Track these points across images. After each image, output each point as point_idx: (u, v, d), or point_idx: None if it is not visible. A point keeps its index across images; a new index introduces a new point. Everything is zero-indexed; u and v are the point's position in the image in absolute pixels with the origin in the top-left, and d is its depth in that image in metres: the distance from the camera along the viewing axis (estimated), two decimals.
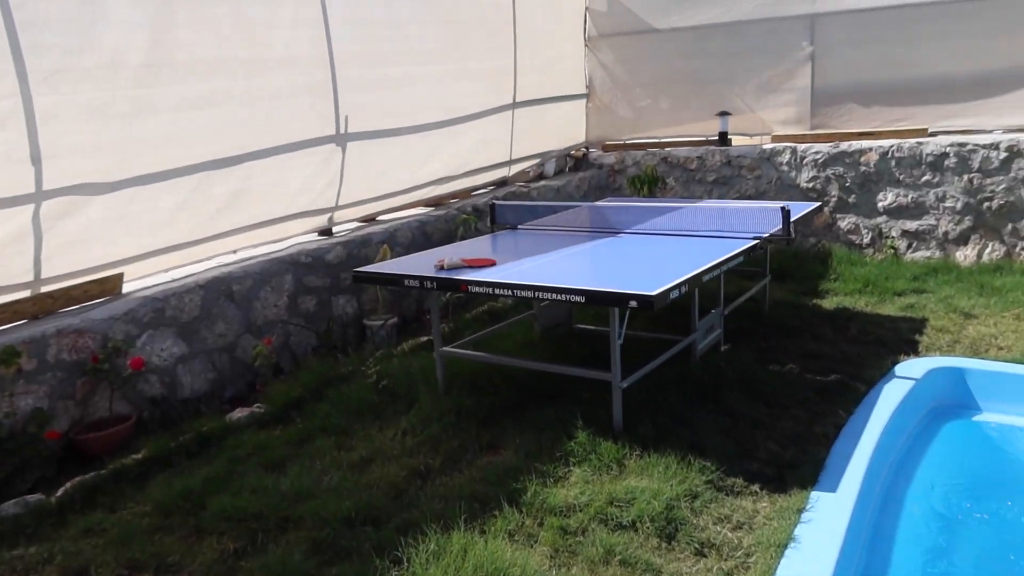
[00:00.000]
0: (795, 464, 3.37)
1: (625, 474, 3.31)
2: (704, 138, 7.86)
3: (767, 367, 4.45)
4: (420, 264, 4.19)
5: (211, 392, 4.54)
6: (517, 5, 6.93)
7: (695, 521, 2.96)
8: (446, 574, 2.63)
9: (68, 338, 3.89)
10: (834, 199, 7.06)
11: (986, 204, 6.47)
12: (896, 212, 6.84)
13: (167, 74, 4.34)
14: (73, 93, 3.93)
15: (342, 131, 5.43)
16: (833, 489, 3.11)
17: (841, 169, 7.00)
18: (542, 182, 7.68)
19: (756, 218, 4.54)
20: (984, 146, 6.42)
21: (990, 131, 6.61)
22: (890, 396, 3.98)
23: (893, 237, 6.87)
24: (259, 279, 4.88)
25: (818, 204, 5.73)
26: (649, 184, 7.57)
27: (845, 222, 7.07)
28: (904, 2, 6.74)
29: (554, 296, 3.44)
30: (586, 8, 8.12)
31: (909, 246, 6.82)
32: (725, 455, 3.41)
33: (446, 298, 5.72)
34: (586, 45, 8.22)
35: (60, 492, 3.44)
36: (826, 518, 2.91)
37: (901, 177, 6.76)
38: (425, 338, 5.32)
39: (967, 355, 4.58)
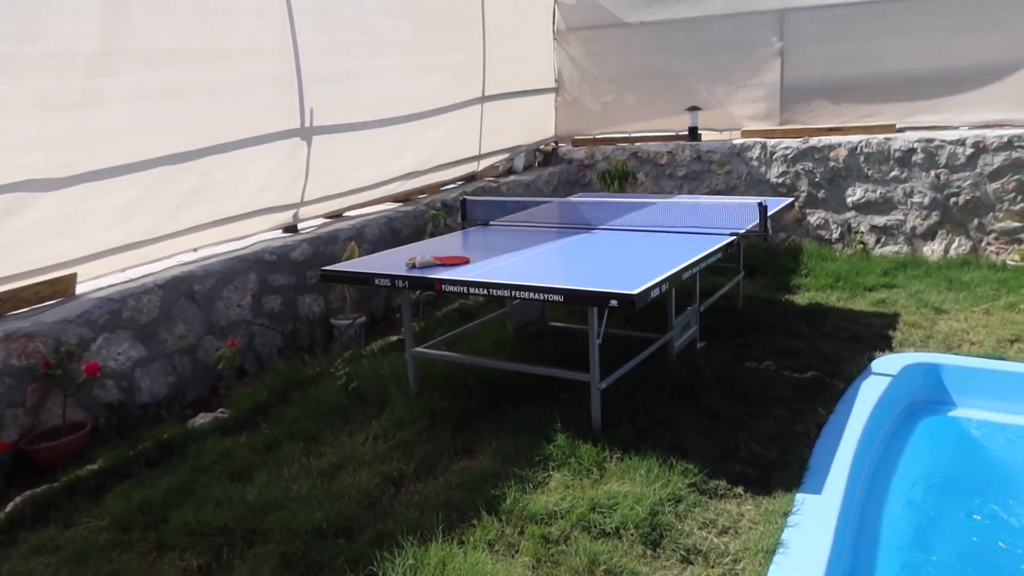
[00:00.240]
0: (778, 465, 3.31)
1: (606, 478, 3.22)
2: (674, 133, 7.81)
3: (744, 365, 4.40)
4: (390, 262, 4.05)
5: (171, 397, 4.34)
6: None
7: (680, 527, 2.88)
8: None
9: (17, 343, 3.68)
10: (804, 194, 7.06)
11: (952, 199, 6.52)
12: (865, 207, 6.86)
13: (122, 64, 4.13)
14: (20, 83, 3.71)
15: (307, 124, 5.25)
16: (818, 491, 3.06)
17: (810, 164, 7.00)
18: (511, 177, 7.57)
19: (733, 214, 4.49)
20: (951, 142, 6.46)
21: (956, 127, 6.67)
22: (868, 393, 3.95)
23: (862, 232, 6.89)
24: (221, 278, 4.69)
25: (791, 200, 5.71)
26: (619, 179, 7.50)
27: (815, 217, 7.08)
28: None
29: (532, 295, 3.34)
30: (555, 1, 8.01)
31: (878, 241, 6.85)
32: (707, 456, 3.34)
33: (416, 296, 5.58)
34: (555, 39, 8.12)
35: (9, 507, 3.23)
36: (813, 522, 2.85)
37: (869, 172, 6.79)
38: (395, 337, 5.18)
39: (941, 350, 4.58)
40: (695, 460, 3.28)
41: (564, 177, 8.01)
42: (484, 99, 7.03)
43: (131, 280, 4.42)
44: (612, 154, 7.89)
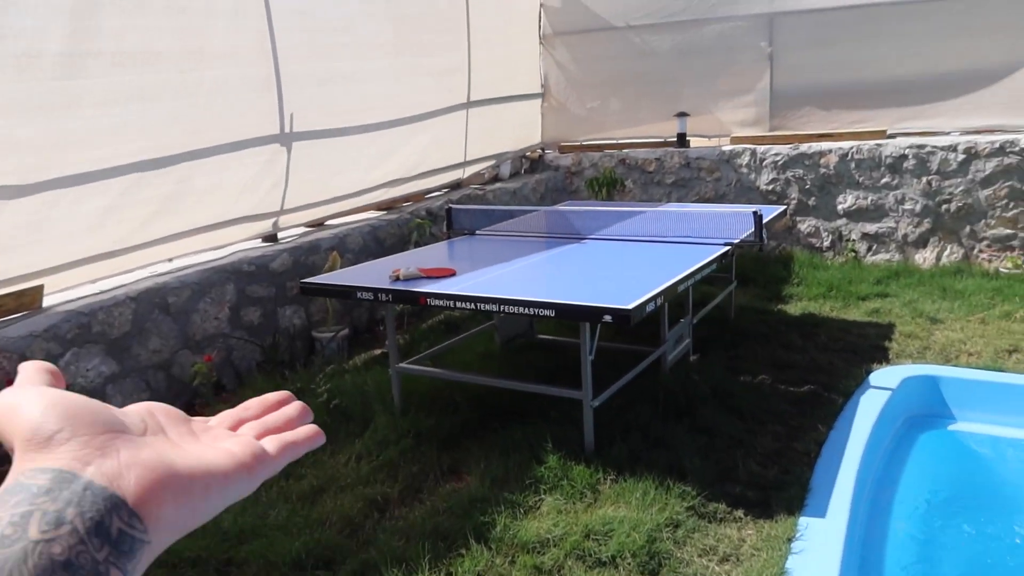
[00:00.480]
0: (779, 486, 3.18)
1: (600, 501, 3.07)
2: (662, 139, 7.70)
3: (739, 379, 4.27)
4: (373, 274, 3.89)
5: None
6: (470, 1, 6.65)
7: (679, 554, 2.74)
8: None
9: None
10: (794, 201, 6.96)
11: (944, 206, 6.45)
12: (856, 214, 6.77)
13: (92, 65, 3.93)
14: None
15: (287, 130, 5.08)
16: (822, 514, 2.93)
17: (801, 171, 6.91)
18: (497, 184, 7.42)
19: (727, 223, 4.37)
20: (942, 148, 6.38)
21: (948, 133, 6.59)
22: (868, 408, 3.82)
23: (853, 240, 6.80)
24: (197, 290, 4.51)
25: (783, 208, 5.61)
26: (608, 186, 7.38)
27: (805, 225, 6.99)
28: (862, 2, 6.67)
29: (521, 310, 3.19)
30: (540, 4, 7.88)
31: (869, 249, 6.76)
32: (705, 478, 3.20)
33: (400, 308, 5.41)
34: (541, 43, 7.98)
35: None
36: (818, 548, 2.71)
37: (860, 179, 6.70)
38: (379, 351, 5.01)
39: (939, 362, 4.48)
40: (692, 482, 3.14)
41: (551, 184, 7.87)
42: (470, 104, 6.88)
43: (102, 292, 4.23)
44: (600, 161, 7.76)
